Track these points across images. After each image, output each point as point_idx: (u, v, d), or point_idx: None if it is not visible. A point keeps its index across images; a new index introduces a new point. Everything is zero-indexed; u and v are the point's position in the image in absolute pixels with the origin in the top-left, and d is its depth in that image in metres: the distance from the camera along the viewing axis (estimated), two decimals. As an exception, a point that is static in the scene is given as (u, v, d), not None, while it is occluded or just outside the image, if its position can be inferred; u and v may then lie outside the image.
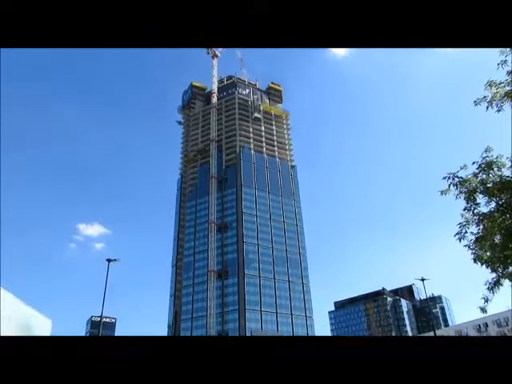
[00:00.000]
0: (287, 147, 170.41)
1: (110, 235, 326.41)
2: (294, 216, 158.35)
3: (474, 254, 9.95)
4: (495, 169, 9.26)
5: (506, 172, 9.28)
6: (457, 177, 9.73)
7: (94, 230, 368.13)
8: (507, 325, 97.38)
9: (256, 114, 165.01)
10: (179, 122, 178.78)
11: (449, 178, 9.80)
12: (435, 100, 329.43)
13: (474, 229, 9.73)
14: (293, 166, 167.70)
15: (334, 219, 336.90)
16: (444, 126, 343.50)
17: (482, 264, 9.83)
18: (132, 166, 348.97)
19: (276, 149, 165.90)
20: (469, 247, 10.01)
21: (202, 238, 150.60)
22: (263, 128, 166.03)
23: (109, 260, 36.40)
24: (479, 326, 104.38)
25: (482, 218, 9.45)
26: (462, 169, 9.74)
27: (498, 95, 9.49)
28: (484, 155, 9.45)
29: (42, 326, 50.49)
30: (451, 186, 9.76)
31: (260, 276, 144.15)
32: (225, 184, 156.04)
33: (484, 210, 9.50)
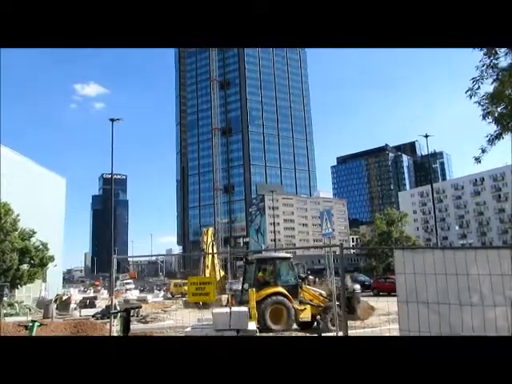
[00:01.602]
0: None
1: (108, 94, 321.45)
2: (298, 72, 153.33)
3: (485, 110, 9.85)
4: None
5: None
6: None
7: (91, 89, 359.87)
8: (503, 179, 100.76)
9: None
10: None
11: None
12: None
13: (488, 85, 9.47)
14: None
15: (340, 74, 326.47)
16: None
17: (491, 120, 9.79)
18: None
19: None
20: (479, 103, 9.83)
21: (204, 96, 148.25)
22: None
23: (112, 119, 36.23)
24: (475, 180, 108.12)
25: (499, 72, 9.14)
26: None
27: None
28: None
29: (55, 183, 52.63)
30: None
31: (264, 133, 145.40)
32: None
33: (503, 64, 9.15)
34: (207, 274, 23.36)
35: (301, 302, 14.67)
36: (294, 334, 13.28)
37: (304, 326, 14.59)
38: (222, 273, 27.82)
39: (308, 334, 12.55)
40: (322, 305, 14.59)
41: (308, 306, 14.59)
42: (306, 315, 14.49)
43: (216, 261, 26.20)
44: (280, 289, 14.64)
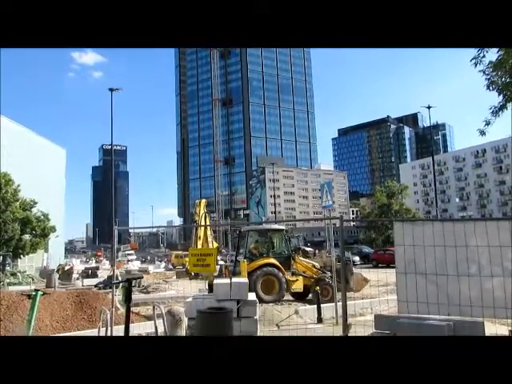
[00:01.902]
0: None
1: (106, 63, 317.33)
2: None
3: (489, 79, 9.71)
4: None
5: None
6: None
7: (88, 57, 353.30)
8: (505, 151, 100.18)
9: None
10: None
11: None
12: None
13: (493, 54, 9.31)
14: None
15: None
16: None
17: (496, 89, 9.67)
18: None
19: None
20: (484, 72, 9.69)
21: (204, 66, 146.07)
22: None
23: (111, 89, 35.71)
24: (477, 151, 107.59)
25: None
26: None
27: None
28: None
29: (55, 154, 52.50)
30: None
31: (265, 104, 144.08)
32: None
33: None
34: (199, 246, 23.43)
35: (293, 274, 14.79)
36: (293, 304, 13.48)
37: (297, 296, 14.81)
38: (215, 244, 27.90)
39: (307, 305, 12.74)
40: (314, 276, 14.75)
41: (300, 278, 14.73)
42: (298, 286, 14.64)
43: (209, 232, 26.22)
44: (272, 260, 14.76)
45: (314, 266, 15.42)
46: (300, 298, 14.67)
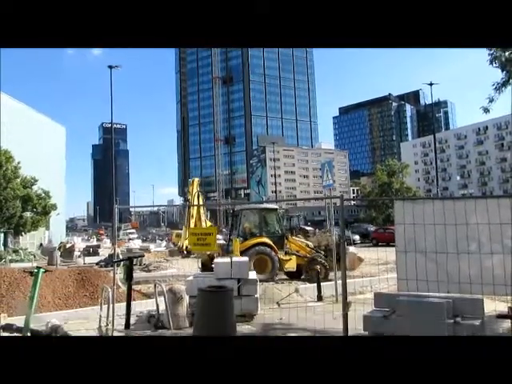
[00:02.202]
0: None
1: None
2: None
3: (492, 54, 9.60)
4: None
5: None
6: None
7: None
8: (507, 128, 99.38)
9: None
10: None
11: None
12: None
13: None
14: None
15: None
16: None
17: (498, 65, 9.56)
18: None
19: None
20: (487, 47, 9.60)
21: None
22: None
23: (110, 67, 35.42)
24: (479, 129, 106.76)
25: None
26: None
27: None
28: None
29: (55, 132, 52.24)
30: None
31: (265, 82, 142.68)
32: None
33: None
34: (192, 225, 23.47)
35: (286, 253, 14.82)
36: (293, 282, 13.57)
37: (290, 275, 14.83)
38: (209, 223, 27.93)
39: (308, 284, 12.82)
40: (308, 255, 14.79)
41: (293, 257, 14.77)
42: (291, 265, 14.69)
43: (202, 211, 26.21)
44: (265, 239, 14.76)
45: (307, 246, 15.48)
46: (293, 277, 14.67)
